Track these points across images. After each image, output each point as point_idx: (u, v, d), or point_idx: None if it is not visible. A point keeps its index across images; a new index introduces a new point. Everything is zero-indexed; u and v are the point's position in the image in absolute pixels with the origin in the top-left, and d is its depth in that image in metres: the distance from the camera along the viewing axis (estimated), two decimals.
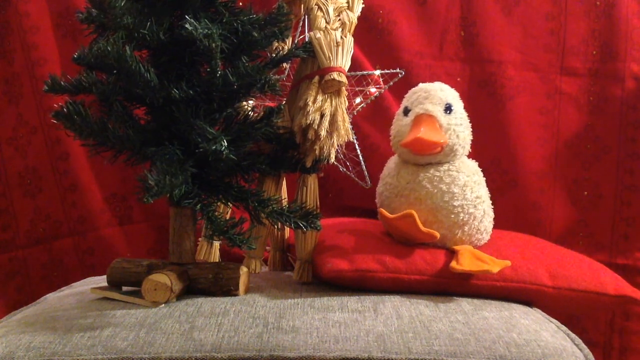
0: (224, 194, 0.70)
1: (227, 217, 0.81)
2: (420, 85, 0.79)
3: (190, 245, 0.71)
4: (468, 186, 0.74)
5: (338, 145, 0.75)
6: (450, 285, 0.71)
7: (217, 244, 0.84)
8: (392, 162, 0.81)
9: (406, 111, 0.77)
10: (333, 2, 0.77)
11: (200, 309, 0.64)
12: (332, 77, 0.71)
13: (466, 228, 0.74)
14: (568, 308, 0.88)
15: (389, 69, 0.92)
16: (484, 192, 0.77)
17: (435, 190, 0.74)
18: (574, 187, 1.10)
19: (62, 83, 0.65)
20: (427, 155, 0.75)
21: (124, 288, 0.72)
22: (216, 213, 0.66)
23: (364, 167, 0.89)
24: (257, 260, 0.80)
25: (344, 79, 0.72)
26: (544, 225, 1.10)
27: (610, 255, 1.08)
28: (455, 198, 0.73)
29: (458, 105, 0.77)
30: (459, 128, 0.75)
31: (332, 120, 0.72)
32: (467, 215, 0.74)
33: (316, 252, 0.76)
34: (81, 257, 1.10)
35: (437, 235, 0.72)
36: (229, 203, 0.73)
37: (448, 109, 0.75)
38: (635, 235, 1.07)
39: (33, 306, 0.74)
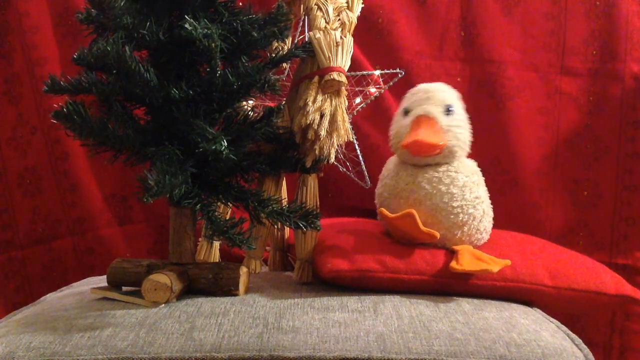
0: (224, 194, 0.70)
1: (227, 217, 0.81)
2: (420, 85, 0.78)
3: (190, 245, 0.71)
4: (467, 186, 0.74)
5: (338, 145, 0.75)
6: (450, 285, 0.70)
7: (217, 244, 0.84)
8: (390, 163, 0.81)
9: (406, 112, 0.77)
10: (333, 2, 0.77)
11: (200, 309, 0.64)
12: (332, 77, 0.71)
13: (466, 228, 0.74)
14: (568, 308, 0.88)
15: (389, 69, 0.92)
16: (483, 192, 0.77)
17: (435, 191, 0.73)
18: (574, 187, 1.10)
19: (61, 83, 0.64)
20: (426, 157, 0.75)
21: (124, 288, 0.72)
22: (216, 213, 0.66)
23: (363, 167, 0.89)
24: (257, 260, 0.80)
25: (343, 79, 0.72)
26: (544, 225, 1.10)
27: (610, 255, 1.08)
28: (455, 199, 0.73)
29: (458, 106, 0.77)
30: (458, 130, 0.75)
31: (331, 120, 0.72)
32: (466, 216, 0.74)
33: (316, 252, 0.76)
34: (81, 257, 1.10)
35: (438, 235, 0.72)
36: (228, 203, 0.73)
37: (448, 110, 0.75)
38: (635, 235, 1.07)
39: (33, 306, 0.74)
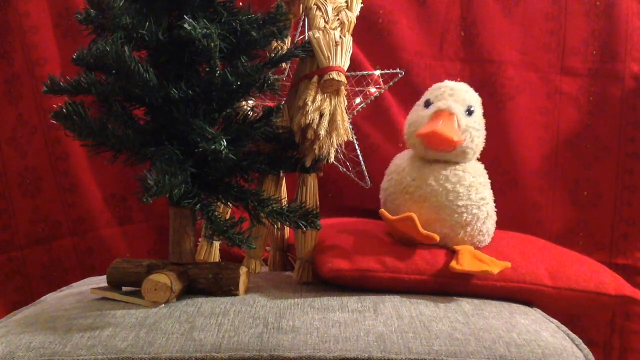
0: (224, 193, 0.70)
1: (227, 216, 0.81)
2: (447, 82, 0.79)
3: (190, 245, 0.71)
4: (473, 187, 0.74)
5: (338, 145, 0.74)
6: (450, 285, 0.70)
7: (217, 244, 0.84)
8: (398, 159, 0.81)
9: (427, 104, 0.77)
10: (332, 1, 0.77)
11: (200, 309, 0.64)
12: (331, 76, 0.71)
13: (469, 229, 0.74)
14: (568, 308, 0.88)
15: (388, 69, 0.92)
16: (488, 194, 0.77)
17: (441, 189, 0.73)
18: (574, 187, 1.10)
19: (61, 84, 0.64)
20: (438, 152, 0.74)
21: (124, 288, 0.72)
22: (216, 213, 0.66)
23: (363, 167, 0.89)
24: (257, 260, 0.80)
25: (343, 79, 0.72)
26: (544, 225, 1.09)
27: (610, 255, 1.08)
28: (460, 198, 0.73)
29: (478, 109, 0.77)
30: (475, 132, 0.75)
31: (331, 120, 0.72)
32: (470, 216, 0.73)
33: (316, 251, 0.76)
34: (81, 257, 1.10)
35: (437, 238, 0.72)
36: (228, 203, 0.73)
37: (469, 110, 0.75)
38: (635, 235, 1.07)
39: (33, 306, 0.74)
